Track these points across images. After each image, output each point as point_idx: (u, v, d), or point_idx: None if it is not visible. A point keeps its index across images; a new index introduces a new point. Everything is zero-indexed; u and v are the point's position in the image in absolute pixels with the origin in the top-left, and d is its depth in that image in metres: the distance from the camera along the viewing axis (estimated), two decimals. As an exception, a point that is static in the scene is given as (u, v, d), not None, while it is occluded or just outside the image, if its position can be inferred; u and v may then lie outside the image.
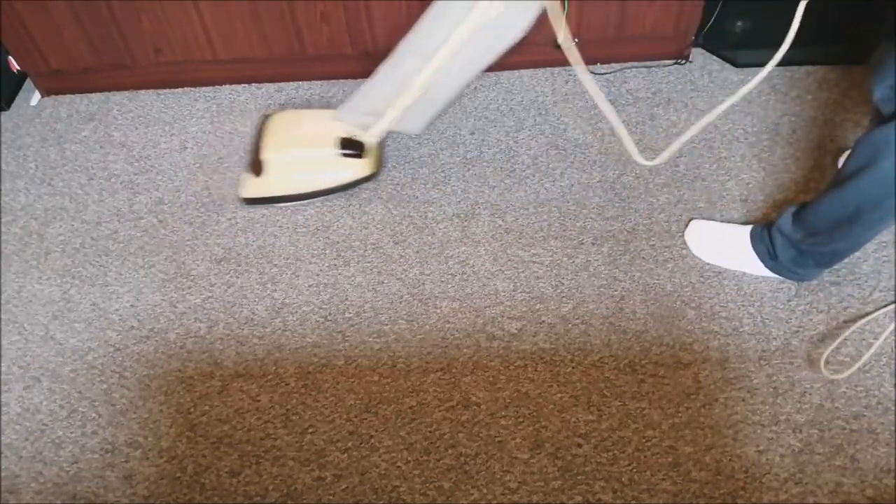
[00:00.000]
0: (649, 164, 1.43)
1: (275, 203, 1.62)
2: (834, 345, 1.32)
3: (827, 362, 1.30)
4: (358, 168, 1.59)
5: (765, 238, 1.39)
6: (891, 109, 1.08)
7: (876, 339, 1.32)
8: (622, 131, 1.37)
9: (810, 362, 1.31)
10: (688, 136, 1.33)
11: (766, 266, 1.41)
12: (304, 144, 1.58)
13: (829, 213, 1.24)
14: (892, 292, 1.39)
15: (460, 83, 1.44)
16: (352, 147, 1.55)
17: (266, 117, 1.66)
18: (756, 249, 1.41)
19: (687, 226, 1.52)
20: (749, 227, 1.45)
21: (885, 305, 1.37)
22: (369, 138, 1.56)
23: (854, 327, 1.34)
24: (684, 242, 1.51)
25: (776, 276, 1.41)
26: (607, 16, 1.79)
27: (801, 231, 1.31)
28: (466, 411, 1.30)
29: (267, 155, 1.56)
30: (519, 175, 1.67)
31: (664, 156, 1.38)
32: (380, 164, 1.68)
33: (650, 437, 1.25)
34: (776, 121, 1.73)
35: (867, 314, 1.36)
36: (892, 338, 1.32)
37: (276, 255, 1.57)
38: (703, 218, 1.54)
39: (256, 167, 1.58)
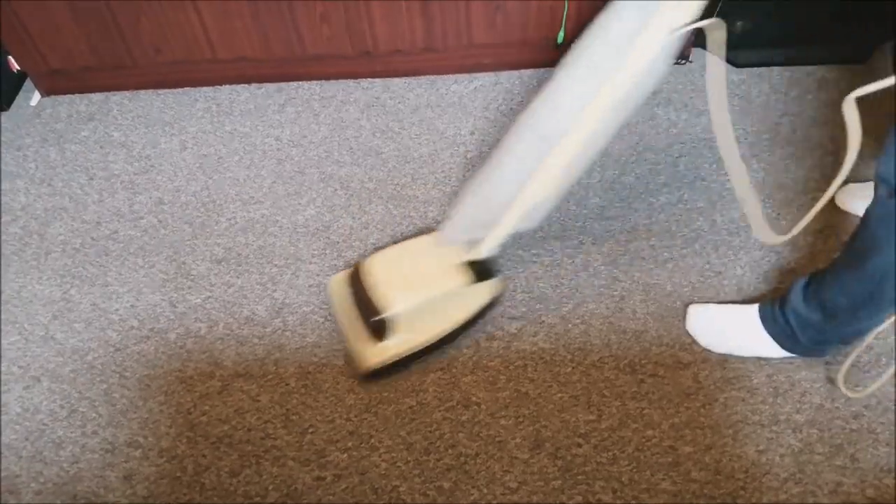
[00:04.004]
0: (779, 240, 1.13)
1: (408, 364, 1.34)
2: (847, 363, 1.26)
3: (844, 379, 1.26)
4: (490, 289, 1.37)
5: (778, 320, 1.26)
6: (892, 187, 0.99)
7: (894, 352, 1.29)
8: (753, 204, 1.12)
9: (829, 380, 1.28)
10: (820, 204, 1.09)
11: (786, 349, 1.28)
12: (431, 284, 1.28)
13: (848, 292, 1.13)
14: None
15: (587, 163, 1.19)
16: (481, 269, 1.31)
17: (356, 269, 1.33)
18: (770, 332, 1.28)
19: (686, 314, 1.39)
20: (755, 307, 1.32)
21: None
22: (485, 253, 1.30)
23: (864, 344, 1.25)
24: (684, 243, 1.51)
25: (799, 357, 1.30)
26: (607, 16, 1.79)
27: (819, 311, 1.19)
28: (466, 411, 1.30)
29: (393, 310, 1.24)
30: (519, 175, 1.67)
31: (794, 231, 1.11)
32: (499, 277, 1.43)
33: (650, 437, 1.25)
34: (776, 121, 1.73)
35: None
36: None
37: (276, 255, 1.56)
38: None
39: (377, 331, 1.28)
